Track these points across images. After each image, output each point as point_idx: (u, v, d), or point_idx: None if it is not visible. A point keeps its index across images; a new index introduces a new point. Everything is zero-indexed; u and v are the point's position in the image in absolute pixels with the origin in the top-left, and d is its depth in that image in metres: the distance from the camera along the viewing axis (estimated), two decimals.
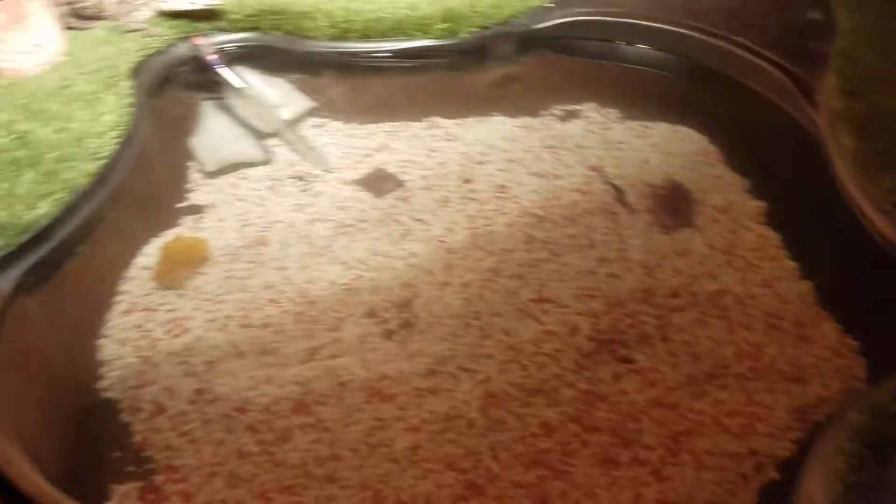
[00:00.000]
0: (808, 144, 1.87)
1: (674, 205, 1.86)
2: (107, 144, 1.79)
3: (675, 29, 2.23)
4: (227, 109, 2.17)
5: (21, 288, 1.54)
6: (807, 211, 1.80)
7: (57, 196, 1.63)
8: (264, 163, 2.04)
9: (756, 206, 1.83)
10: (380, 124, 2.14)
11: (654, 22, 2.25)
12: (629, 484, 1.34)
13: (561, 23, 2.30)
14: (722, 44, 2.16)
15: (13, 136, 1.73)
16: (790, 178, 1.89)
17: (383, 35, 2.25)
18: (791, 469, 1.30)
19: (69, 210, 1.64)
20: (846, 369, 1.48)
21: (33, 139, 1.73)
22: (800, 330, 1.56)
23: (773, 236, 1.75)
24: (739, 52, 2.13)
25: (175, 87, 2.23)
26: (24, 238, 1.57)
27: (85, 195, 1.68)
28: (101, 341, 1.59)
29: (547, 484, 1.35)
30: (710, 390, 1.47)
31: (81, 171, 1.70)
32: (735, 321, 1.59)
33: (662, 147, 2.02)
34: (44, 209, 1.60)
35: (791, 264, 1.69)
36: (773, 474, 1.34)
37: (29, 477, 1.18)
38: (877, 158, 1.65)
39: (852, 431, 1.20)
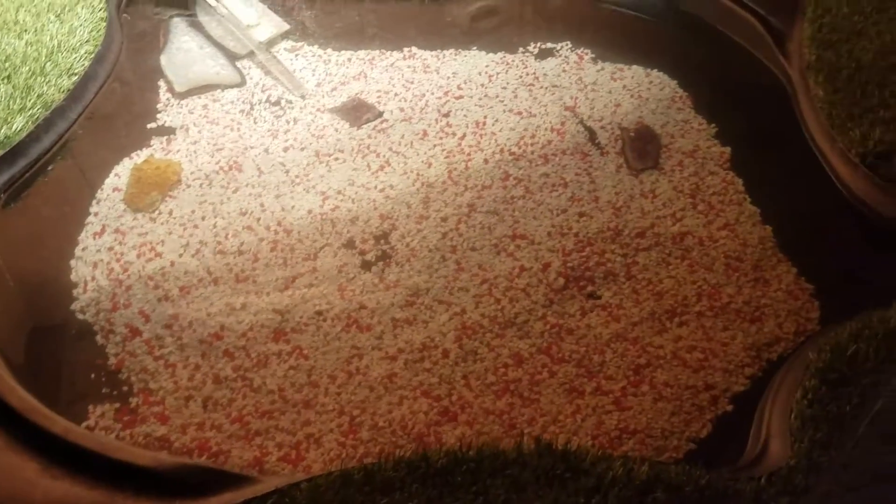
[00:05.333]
0: (778, 93, 1.92)
1: (643, 148, 1.89)
2: (80, 60, 1.74)
3: None
4: (199, 28, 2.11)
5: None
6: (771, 158, 1.85)
7: (31, 112, 1.58)
8: (237, 85, 2.00)
9: (721, 151, 1.88)
10: (357, 51, 2.11)
11: None
12: (592, 412, 1.41)
13: None
14: None
15: None
16: (757, 126, 1.93)
17: None
18: (745, 403, 1.39)
19: (44, 126, 1.60)
20: (800, 311, 1.56)
21: (5, 52, 1.66)
22: (758, 272, 1.63)
23: (737, 181, 1.80)
24: None
25: (144, 1, 2.15)
26: None
27: (59, 112, 1.64)
28: (73, 262, 1.58)
29: (515, 411, 1.41)
30: (671, 327, 1.54)
31: (56, 87, 1.65)
32: (696, 262, 1.65)
33: (634, 90, 2.04)
34: (18, 124, 1.56)
35: (753, 209, 1.74)
36: (727, 407, 1.42)
37: (16, 391, 1.18)
38: (846, 110, 1.69)
39: (811, 368, 1.26)
